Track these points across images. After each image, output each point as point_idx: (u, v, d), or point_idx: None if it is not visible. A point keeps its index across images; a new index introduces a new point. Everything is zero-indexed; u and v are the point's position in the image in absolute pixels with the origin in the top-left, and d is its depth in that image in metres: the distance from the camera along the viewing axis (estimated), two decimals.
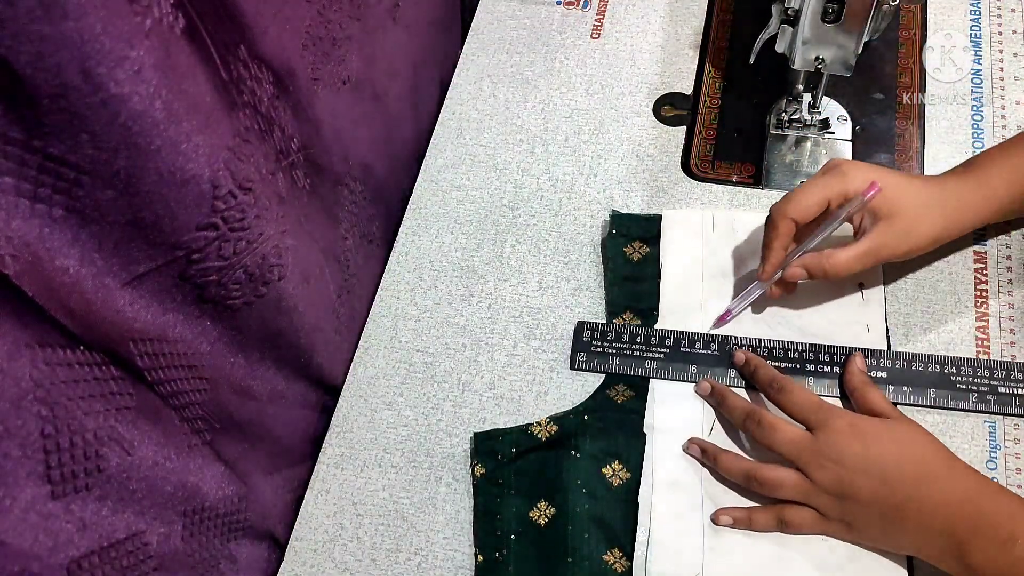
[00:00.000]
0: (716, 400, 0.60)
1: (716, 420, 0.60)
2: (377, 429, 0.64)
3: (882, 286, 0.64)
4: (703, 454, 0.58)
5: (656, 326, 0.64)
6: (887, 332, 0.63)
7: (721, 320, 0.64)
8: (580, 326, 0.65)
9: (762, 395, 0.59)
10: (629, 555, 0.56)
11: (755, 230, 0.68)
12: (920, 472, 0.51)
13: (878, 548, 0.54)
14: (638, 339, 0.63)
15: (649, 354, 0.63)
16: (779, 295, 0.63)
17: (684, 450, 0.59)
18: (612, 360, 0.63)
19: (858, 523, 0.53)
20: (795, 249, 0.61)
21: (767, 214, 0.61)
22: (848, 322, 0.63)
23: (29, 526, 0.37)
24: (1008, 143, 0.61)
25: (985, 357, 0.61)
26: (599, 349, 0.64)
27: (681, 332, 0.63)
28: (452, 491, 0.61)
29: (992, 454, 0.58)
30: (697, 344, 0.63)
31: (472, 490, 0.60)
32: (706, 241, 0.68)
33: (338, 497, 0.61)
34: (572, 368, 0.64)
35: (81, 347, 0.40)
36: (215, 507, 0.52)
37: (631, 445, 0.60)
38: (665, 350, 0.63)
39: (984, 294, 0.64)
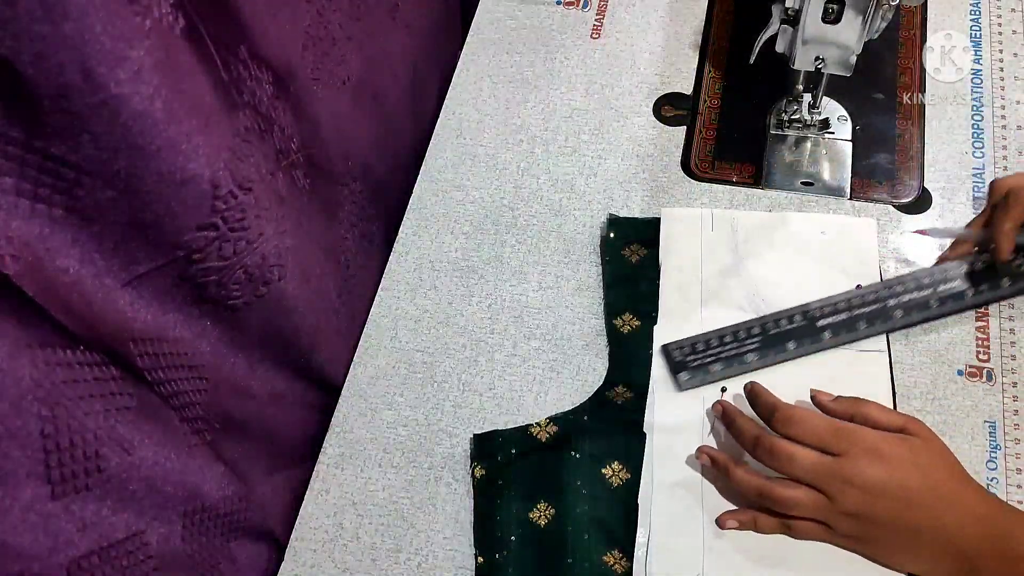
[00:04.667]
0: (724, 423, 0.58)
1: (712, 425, 0.60)
2: (377, 429, 0.64)
3: (880, 286, 0.64)
4: (713, 464, 0.57)
5: (656, 328, 0.64)
6: (886, 333, 0.63)
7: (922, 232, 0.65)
8: (665, 349, 0.63)
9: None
10: (629, 556, 0.56)
11: (754, 229, 0.68)
12: (938, 497, 0.50)
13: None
14: (726, 338, 0.62)
15: (745, 347, 0.62)
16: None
17: (695, 457, 0.58)
18: (714, 367, 0.61)
19: (872, 542, 0.53)
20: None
21: (989, 190, 0.61)
22: None
23: (29, 526, 0.37)
24: None
25: None
26: (696, 363, 0.62)
27: (764, 316, 0.63)
28: (452, 491, 0.61)
29: (992, 454, 0.58)
30: (782, 321, 0.62)
31: (472, 491, 0.60)
32: (705, 241, 0.68)
33: (338, 497, 0.61)
34: (681, 390, 0.61)
35: (81, 347, 0.40)
36: (215, 507, 0.52)
37: (631, 445, 0.60)
38: (759, 338, 0.62)
39: None
